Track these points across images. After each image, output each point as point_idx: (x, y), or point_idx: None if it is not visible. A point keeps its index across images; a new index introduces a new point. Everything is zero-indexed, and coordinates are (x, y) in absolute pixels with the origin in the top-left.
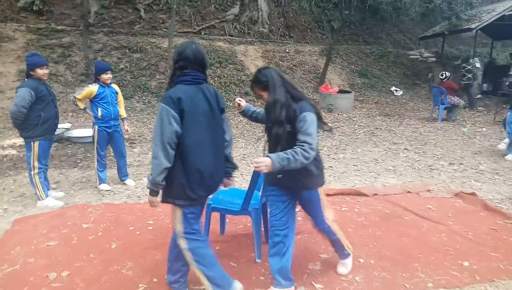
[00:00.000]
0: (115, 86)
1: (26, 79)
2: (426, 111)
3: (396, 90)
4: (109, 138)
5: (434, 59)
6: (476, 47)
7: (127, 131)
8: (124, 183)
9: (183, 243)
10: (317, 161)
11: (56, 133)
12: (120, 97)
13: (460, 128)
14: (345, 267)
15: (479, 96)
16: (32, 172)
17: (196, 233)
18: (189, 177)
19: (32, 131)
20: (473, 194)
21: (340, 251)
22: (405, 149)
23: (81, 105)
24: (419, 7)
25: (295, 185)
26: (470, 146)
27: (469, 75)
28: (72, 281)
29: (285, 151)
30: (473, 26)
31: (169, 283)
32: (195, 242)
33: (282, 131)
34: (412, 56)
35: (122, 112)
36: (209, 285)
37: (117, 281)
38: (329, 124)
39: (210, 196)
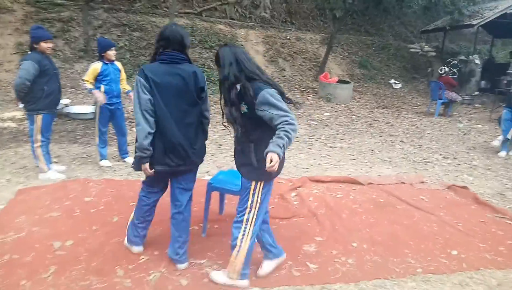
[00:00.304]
0: (118, 64)
1: (29, 52)
2: (423, 105)
3: (395, 83)
4: (111, 115)
5: (434, 53)
6: (476, 43)
7: None
8: (124, 161)
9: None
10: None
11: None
12: (123, 74)
13: (456, 124)
14: (215, 276)
15: (476, 93)
16: (35, 145)
17: (149, 185)
18: (158, 145)
19: (35, 104)
20: (465, 187)
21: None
22: (401, 141)
23: (90, 86)
24: (422, 0)
25: (240, 170)
26: (465, 142)
27: (454, 70)
28: (76, 250)
29: (277, 135)
30: (474, 22)
31: (170, 256)
32: (142, 191)
33: (235, 111)
34: (412, 50)
35: (126, 86)
36: (129, 226)
37: (119, 252)
38: (295, 100)
39: (213, 176)
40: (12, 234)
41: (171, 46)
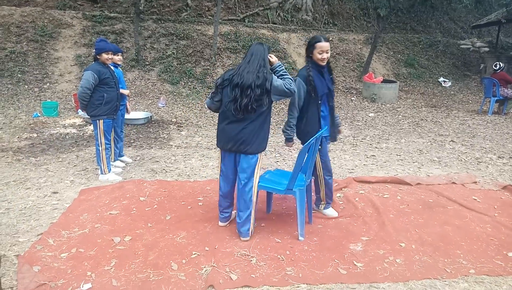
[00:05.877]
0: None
1: (93, 62)
2: (476, 104)
3: (445, 81)
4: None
5: (487, 49)
6: None
7: None
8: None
9: None
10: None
11: None
12: None
13: None
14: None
15: None
16: (100, 148)
17: None
18: None
19: (96, 110)
20: None
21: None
22: (452, 141)
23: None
24: None
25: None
26: None
27: None
28: (134, 245)
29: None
30: None
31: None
32: None
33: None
34: (463, 46)
35: None
36: None
37: (173, 247)
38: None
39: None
40: (77, 230)
41: None
